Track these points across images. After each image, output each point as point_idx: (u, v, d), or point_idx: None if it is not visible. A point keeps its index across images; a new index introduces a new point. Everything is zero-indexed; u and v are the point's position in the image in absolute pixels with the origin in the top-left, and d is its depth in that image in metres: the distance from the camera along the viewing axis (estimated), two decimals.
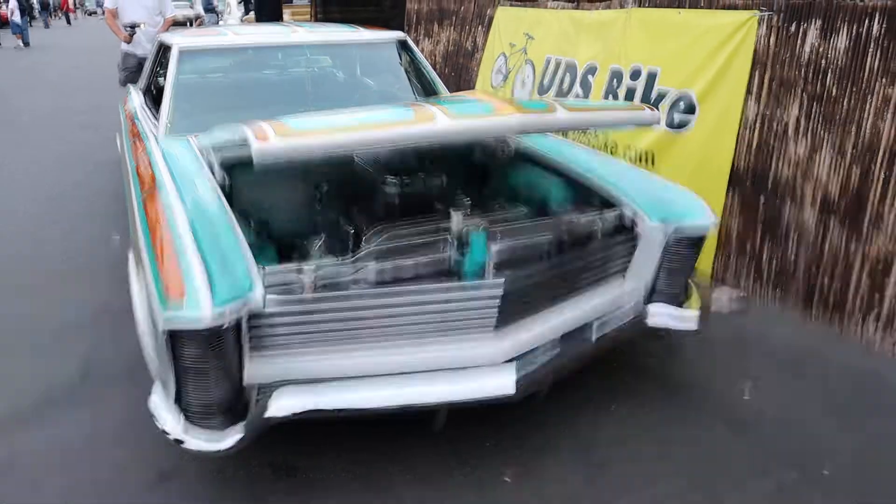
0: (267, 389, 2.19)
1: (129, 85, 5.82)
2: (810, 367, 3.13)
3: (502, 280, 2.31)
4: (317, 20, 12.31)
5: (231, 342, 2.02)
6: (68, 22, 38.68)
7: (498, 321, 2.39)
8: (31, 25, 22.55)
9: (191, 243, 2.13)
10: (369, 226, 2.58)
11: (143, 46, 6.91)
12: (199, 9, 22.96)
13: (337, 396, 2.20)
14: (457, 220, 2.42)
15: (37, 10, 34.13)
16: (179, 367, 2.01)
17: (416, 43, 8.21)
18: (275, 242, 2.82)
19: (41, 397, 2.85)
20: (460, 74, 7.34)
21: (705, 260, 4.06)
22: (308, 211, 3.23)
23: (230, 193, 3.12)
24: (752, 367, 3.13)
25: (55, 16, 37.97)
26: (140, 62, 7.00)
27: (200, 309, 1.89)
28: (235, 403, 2.13)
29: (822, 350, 3.27)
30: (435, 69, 8.05)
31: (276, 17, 12.16)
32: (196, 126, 3.36)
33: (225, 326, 1.94)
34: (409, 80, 4.28)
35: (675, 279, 2.81)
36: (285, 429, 2.19)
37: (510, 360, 2.37)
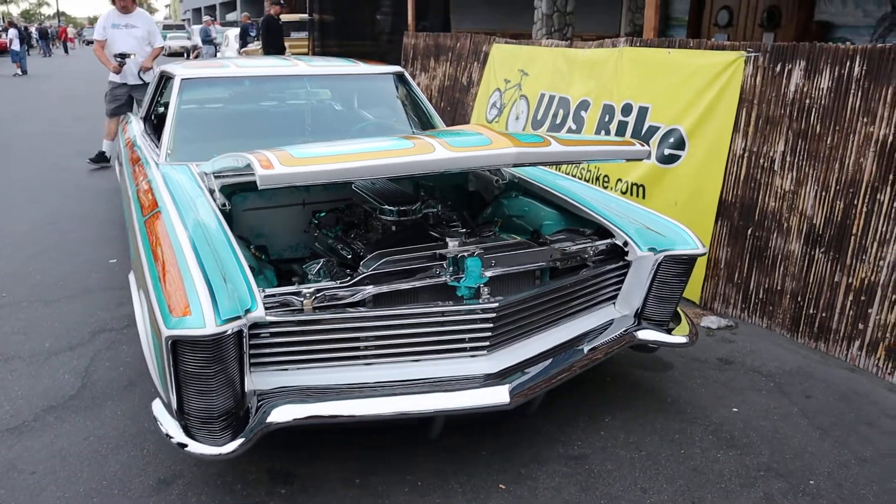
0: (268, 398, 2.24)
1: (128, 114, 5.93)
2: (797, 385, 3.21)
3: (496, 304, 2.38)
4: (314, 53, 12.55)
5: (232, 352, 2.08)
6: (66, 51, 39.11)
7: (491, 342, 2.46)
8: (28, 54, 22.81)
9: (194, 262, 2.21)
10: (366, 251, 2.66)
11: (133, 76, 7.09)
12: (198, 40, 23.30)
13: (335, 404, 2.26)
14: (453, 245, 2.50)
15: (35, 39, 34.51)
16: (182, 376, 2.06)
17: (413, 77, 8.39)
18: (274, 266, 2.89)
19: (42, 407, 2.89)
20: (456, 108, 7.50)
21: (694, 288, 4.16)
22: (304, 237, 3.30)
23: (229, 218, 3.21)
24: (741, 385, 3.21)
25: (53, 45, 38.38)
26: (129, 92, 7.14)
27: (204, 320, 1.96)
28: (237, 410, 2.18)
29: (808, 370, 3.35)
30: (431, 102, 8.23)
31: (280, 49, 12.44)
32: (196, 154, 3.46)
33: (227, 336, 2.01)
34: (407, 112, 4.40)
35: (663, 306, 2.89)
36: (283, 436, 2.25)
37: (504, 372, 2.43)
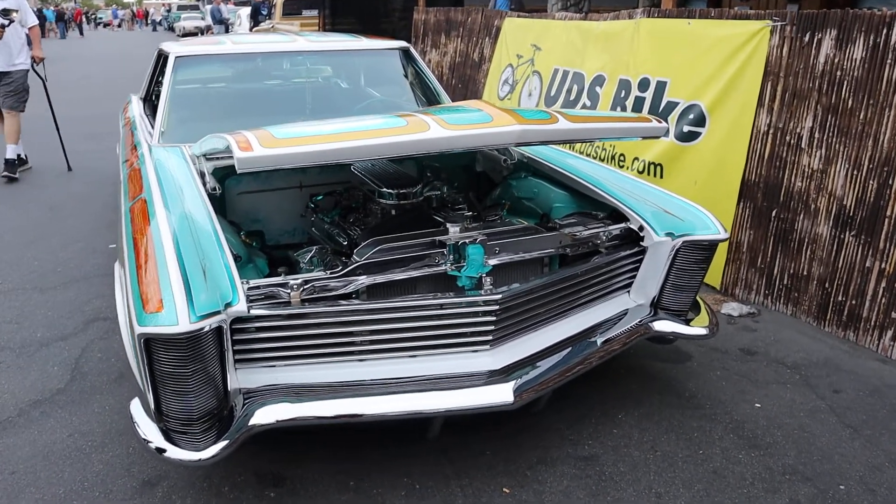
0: (253, 396, 2.10)
1: (130, 94, 5.77)
2: (824, 378, 3.01)
3: (499, 295, 2.20)
4: (325, 31, 12.32)
5: (212, 350, 1.93)
6: (81, 33, 39.19)
7: (494, 336, 2.29)
8: (45, 36, 22.76)
9: (173, 254, 2.05)
10: (363, 237, 2.49)
11: (4, 61, 6.10)
12: (210, 20, 23.12)
13: (325, 404, 2.11)
14: (453, 231, 2.32)
15: (52, 22, 34.56)
16: (158, 375, 1.92)
17: (423, 54, 8.16)
18: (267, 253, 2.73)
19: (28, 401, 2.77)
20: (467, 85, 7.27)
21: (714, 273, 3.95)
22: (302, 221, 3.13)
23: (222, 202, 3.05)
24: (764, 378, 3.01)
25: (69, 27, 38.45)
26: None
27: (177, 317, 1.81)
28: (219, 411, 2.04)
29: (836, 362, 3.14)
30: (442, 80, 8.01)
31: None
32: (191, 135, 3.29)
33: (203, 334, 1.86)
34: (413, 90, 4.20)
35: (681, 295, 2.69)
36: (274, 435, 2.10)
37: (508, 368, 2.26)
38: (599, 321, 2.58)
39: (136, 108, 4.59)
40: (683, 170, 4.07)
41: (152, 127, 3.60)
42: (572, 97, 5.17)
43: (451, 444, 2.50)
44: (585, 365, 2.38)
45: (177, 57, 3.70)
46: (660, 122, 2.49)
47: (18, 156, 6.42)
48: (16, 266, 4.25)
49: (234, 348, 2.11)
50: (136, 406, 2.09)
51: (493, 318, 2.24)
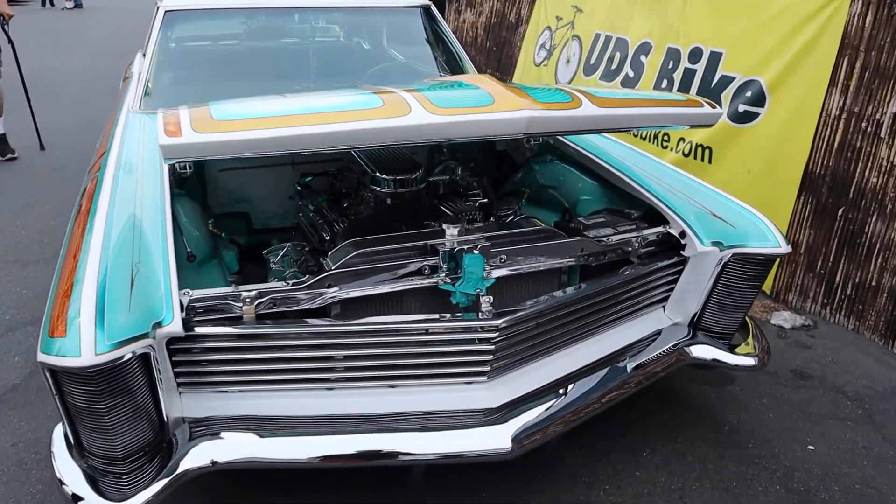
0: (202, 427, 1.75)
1: (139, 52, 5.39)
2: (893, 414, 2.54)
3: (499, 321, 1.79)
4: None
5: (138, 379, 1.57)
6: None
7: (492, 367, 1.88)
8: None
9: (96, 262, 1.66)
10: (342, 235, 2.09)
11: None
12: None
13: (276, 443, 1.74)
14: (450, 234, 1.90)
15: None
16: (72, 409, 1.57)
17: (458, 13, 7.63)
18: (239, 245, 2.35)
19: None
20: (502, 49, 6.75)
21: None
22: (282, 210, 2.74)
23: (202, 181, 2.68)
24: (819, 411, 2.56)
25: None
26: None
27: (80, 347, 1.44)
28: (155, 445, 1.69)
29: None
30: (476, 43, 7.47)
31: None
32: (175, 99, 2.91)
33: (118, 365, 1.49)
34: (434, 54, 3.74)
35: (727, 316, 2.24)
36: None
37: (507, 407, 1.87)
38: (625, 345, 2.15)
39: (137, 66, 4.22)
40: (736, 155, 3.56)
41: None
42: (614, 66, 4.64)
43: (441, 483, 2.12)
44: (604, 403, 1.96)
45: (166, 11, 3.29)
46: (713, 106, 2.00)
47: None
48: (2, 234, 3.97)
49: (178, 370, 1.75)
50: (59, 435, 1.75)
51: (492, 348, 1.83)
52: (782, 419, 2.51)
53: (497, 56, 6.85)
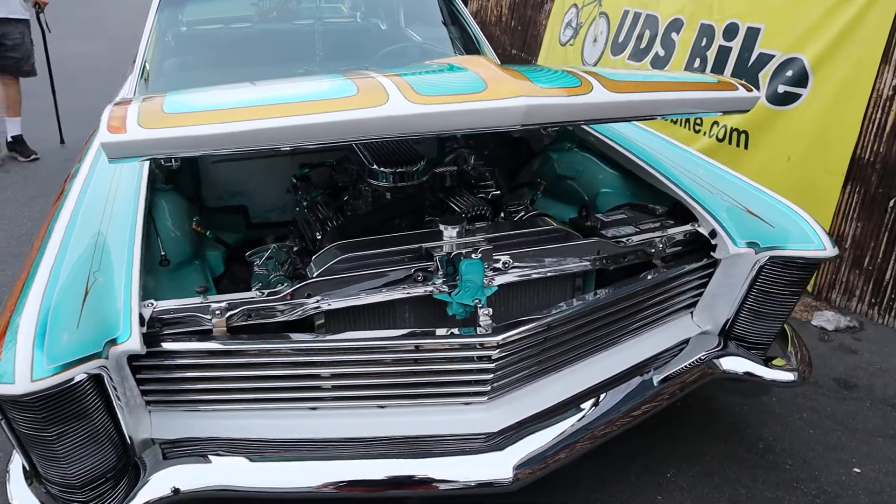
0: (175, 449, 1.59)
1: None
2: None
3: (499, 337, 1.58)
4: None
5: (90, 403, 1.40)
6: None
7: (494, 386, 1.68)
8: None
9: (46, 273, 1.50)
10: (330, 237, 1.90)
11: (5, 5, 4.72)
12: None
13: (253, 469, 1.58)
14: (448, 236, 1.70)
15: None
16: (21, 436, 1.41)
17: None
18: (226, 245, 2.18)
19: None
20: (527, 29, 6.47)
21: None
22: (282, 203, 2.56)
23: (195, 173, 2.52)
24: (866, 427, 2.31)
25: None
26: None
27: (14, 374, 1.27)
28: (116, 472, 1.53)
29: None
30: (501, 22, 7.19)
31: None
32: (173, 86, 2.73)
33: (63, 390, 1.32)
34: (450, 36, 3.50)
35: (762, 325, 2.00)
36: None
37: (510, 430, 1.67)
38: (646, 358, 1.93)
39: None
40: (775, 140, 3.27)
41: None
42: (643, 45, 4.35)
43: (436, 500, 1.92)
44: (622, 426, 1.75)
45: None
46: (749, 89, 1.75)
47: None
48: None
49: (145, 388, 1.59)
50: (17, 461, 1.59)
51: (491, 366, 1.62)
52: (824, 436, 2.26)
53: (522, 36, 6.58)
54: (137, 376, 1.54)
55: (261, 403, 1.66)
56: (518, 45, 6.72)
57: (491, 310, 1.62)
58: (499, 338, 1.59)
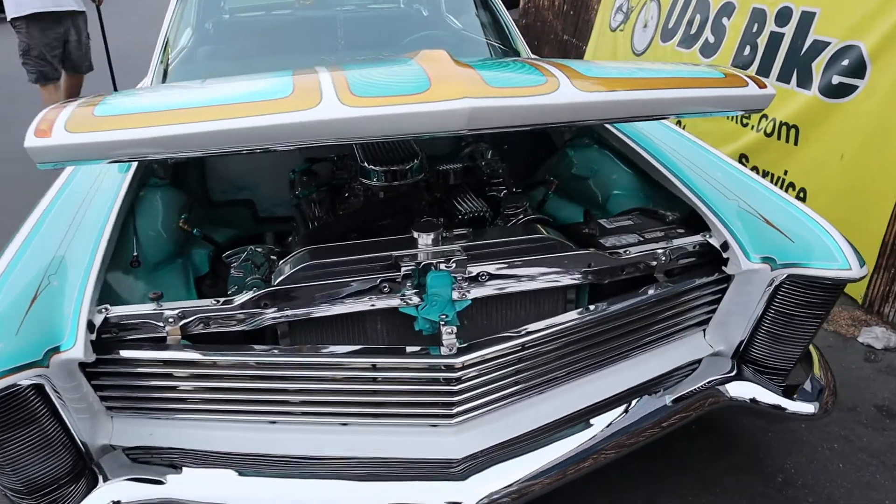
0: (135, 455, 1.54)
1: None
2: None
3: (462, 358, 1.45)
4: None
5: (32, 412, 1.36)
6: None
7: (458, 412, 1.55)
8: None
9: (4, 263, 1.48)
10: (300, 242, 1.81)
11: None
12: None
13: (199, 481, 1.51)
14: (422, 244, 1.58)
15: None
16: None
17: None
18: (215, 243, 2.11)
19: None
20: (579, 13, 6.23)
21: (857, 284, 2.90)
22: (289, 197, 2.48)
23: (200, 167, 2.48)
24: None
25: None
26: (63, 31, 4.59)
27: None
28: (74, 475, 1.49)
29: None
30: (553, 7, 6.93)
31: None
32: (193, 76, 2.71)
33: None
34: (483, 29, 3.33)
35: (780, 349, 1.79)
36: None
37: (478, 457, 1.54)
38: (645, 381, 1.76)
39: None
40: (827, 136, 2.99)
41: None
42: (693, 30, 4.08)
43: None
44: (602, 460, 1.59)
45: None
46: (761, 85, 1.54)
47: None
48: None
49: (104, 394, 1.54)
50: None
51: (456, 388, 1.50)
52: (856, 471, 2.04)
53: (574, 21, 6.34)
54: (93, 382, 1.49)
55: (219, 415, 1.59)
56: (570, 30, 6.47)
57: (456, 328, 1.48)
58: (462, 359, 1.46)
